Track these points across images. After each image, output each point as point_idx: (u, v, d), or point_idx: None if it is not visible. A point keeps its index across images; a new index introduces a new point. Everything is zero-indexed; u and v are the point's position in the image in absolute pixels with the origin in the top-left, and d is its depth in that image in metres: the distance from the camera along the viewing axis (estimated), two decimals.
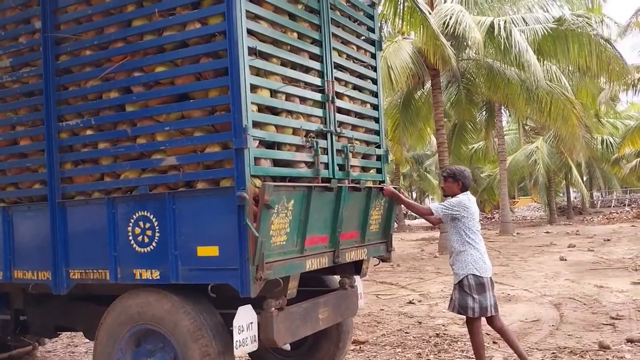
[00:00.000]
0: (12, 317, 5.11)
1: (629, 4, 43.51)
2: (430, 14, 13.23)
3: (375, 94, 4.96)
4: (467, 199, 4.80)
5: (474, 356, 4.94)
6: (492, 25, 14.37)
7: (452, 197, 4.87)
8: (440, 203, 4.96)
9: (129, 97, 3.90)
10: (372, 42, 4.99)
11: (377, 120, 4.95)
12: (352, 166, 4.44)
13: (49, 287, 4.24)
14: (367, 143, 4.85)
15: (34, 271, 4.35)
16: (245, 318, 3.56)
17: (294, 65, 4.00)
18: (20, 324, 5.13)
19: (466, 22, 13.38)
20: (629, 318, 6.99)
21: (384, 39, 15.64)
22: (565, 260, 12.82)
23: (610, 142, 27.61)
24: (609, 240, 16.95)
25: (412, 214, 45.04)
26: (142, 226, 3.80)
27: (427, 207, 5.00)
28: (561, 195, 34.57)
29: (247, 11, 3.54)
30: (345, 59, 4.58)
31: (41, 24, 4.23)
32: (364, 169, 4.77)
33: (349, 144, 4.44)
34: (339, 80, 4.43)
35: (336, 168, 4.25)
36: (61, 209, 4.18)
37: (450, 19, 13.50)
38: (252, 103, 3.54)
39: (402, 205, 5.04)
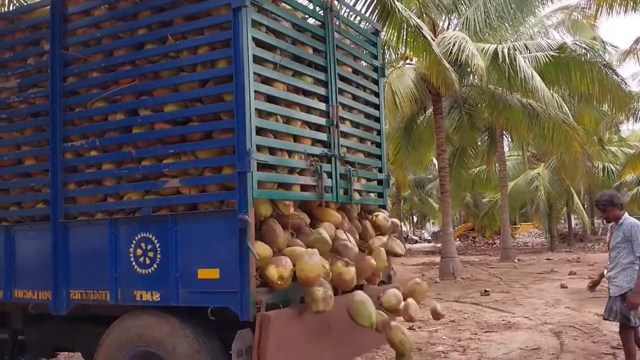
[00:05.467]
0: (10, 337, 5.09)
1: (630, 29, 44.13)
2: (433, 40, 13.39)
3: (377, 119, 5.02)
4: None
5: None
6: (495, 52, 14.53)
7: (614, 220, 5.16)
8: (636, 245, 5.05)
9: (134, 120, 3.95)
10: (375, 69, 5.07)
11: (379, 144, 5.01)
12: (354, 190, 4.47)
13: (49, 307, 4.25)
14: (369, 167, 4.89)
15: (34, 291, 4.36)
16: (244, 342, 3.54)
17: (299, 90, 4.06)
18: (18, 344, 5.10)
19: (469, 49, 13.54)
20: None
21: (387, 64, 15.87)
22: (566, 287, 12.75)
23: (612, 170, 27.69)
24: None
25: (413, 237, 45.17)
26: (144, 248, 3.83)
27: None
28: (562, 222, 34.52)
29: (253, 38, 3.60)
30: (349, 84, 4.64)
31: (50, 46, 4.30)
32: (366, 193, 4.80)
33: (352, 168, 4.48)
34: (342, 105, 4.48)
35: (340, 192, 4.29)
36: (63, 229, 4.21)
37: (453, 46, 13.67)
38: (256, 127, 3.59)
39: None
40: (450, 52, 13.69)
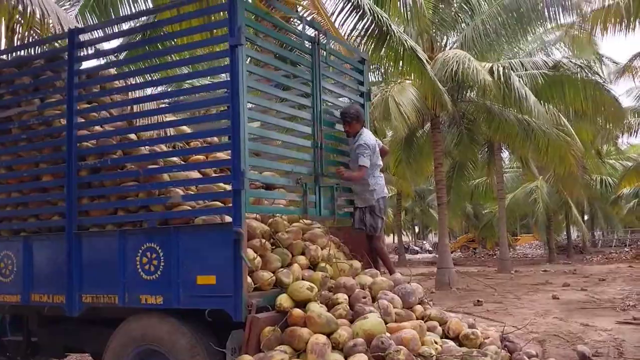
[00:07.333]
0: (24, 338, 5.47)
1: (629, 44, 44.64)
2: (429, 61, 13.77)
3: None
4: None
5: None
6: (491, 70, 14.93)
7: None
8: None
9: (142, 142, 4.41)
10: (361, 94, 5.51)
11: None
12: (338, 205, 4.91)
13: (63, 310, 4.63)
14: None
15: (49, 295, 4.74)
16: (237, 340, 3.93)
17: (288, 116, 4.52)
18: (32, 345, 5.47)
19: (473, 66, 13.96)
20: (607, 355, 7.27)
21: (388, 79, 16.29)
22: (558, 298, 13.05)
23: (609, 183, 28.00)
24: (603, 280, 17.14)
25: (414, 247, 45.32)
26: (149, 256, 4.23)
27: None
28: (563, 234, 34.72)
29: (248, 72, 4.05)
30: (335, 109, 5.09)
31: (67, 73, 4.76)
32: (351, 208, 5.24)
33: (337, 185, 4.92)
34: (328, 127, 4.92)
35: (322, 207, 4.72)
36: (77, 239, 4.60)
37: (457, 64, 14.05)
38: (249, 150, 4.03)
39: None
40: (455, 72, 14.05)
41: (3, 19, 6.03)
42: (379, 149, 5.20)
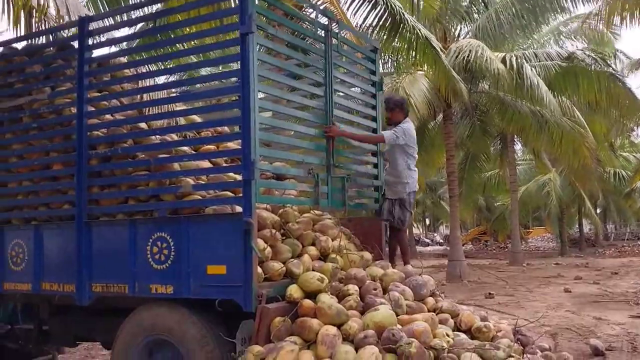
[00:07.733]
0: (35, 327, 5.50)
1: None
2: (443, 50, 13.65)
3: (374, 130, 5.40)
4: None
5: None
6: (503, 60, 14.76)
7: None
8: None
9: (153, 132, 4.39)
10: (373, 84, 5.45)
11: (375, 154, 5.39)
12: (349, 196, 4.87)
13: (73, 299, 4.65)
14: (366, 175, 5.28)
15: (60, 284, 4.76)
16: (247, 331, 3.93)
17: (299, 106, 4.47)
18: (43, 334, 5.51)
19: (487, 55, 13.80)
20: (621, 350, 7.20)
21: (400, 70, 16.17)
22: (570, 292, 12.95)
23: (623, 176, 27.72)
24: (616, 273, 17.00)
25: (425, 239, 45.21)
26: (160, 246, 4.23)
27: None
28: (575, 227, 34.47)
29: (259, 60, 4.01)
30: (347, 99, 5.04)
31: (77, 61, 4.74)
32: (361, 199, 5.20)
33: (347, 176, 4.88)
34: (340, 117, 4.88)
35: (333, 198, 4.68)
36: (87, 228, 4.60)
37: (469, 53, 13.90)
38: (260, 139, 3.99)
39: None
40: (467, 61, 13.91)
41: (20, 4, 6.02)
42: None
